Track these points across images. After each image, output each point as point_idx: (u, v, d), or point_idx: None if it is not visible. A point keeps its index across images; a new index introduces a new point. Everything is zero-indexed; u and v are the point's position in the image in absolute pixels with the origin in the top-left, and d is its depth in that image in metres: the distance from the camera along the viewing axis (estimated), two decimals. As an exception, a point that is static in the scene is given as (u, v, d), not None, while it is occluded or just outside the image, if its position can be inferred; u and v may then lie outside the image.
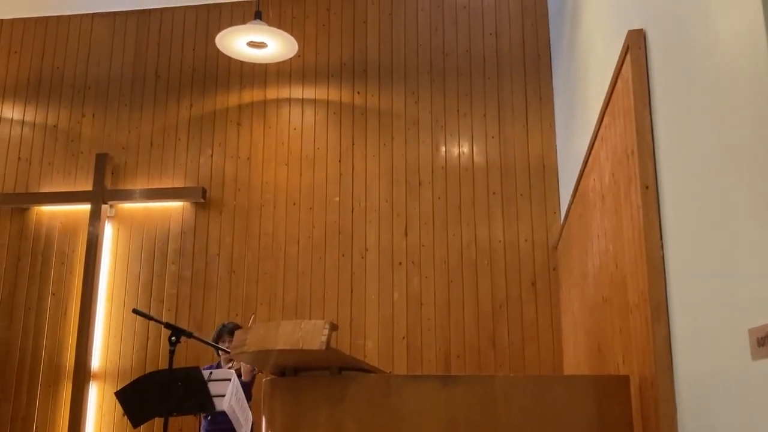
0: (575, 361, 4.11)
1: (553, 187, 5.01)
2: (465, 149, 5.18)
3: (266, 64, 5.54)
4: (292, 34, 5.33)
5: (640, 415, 2.36)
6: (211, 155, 5.46)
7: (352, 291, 5.05)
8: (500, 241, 4.98)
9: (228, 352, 4.03)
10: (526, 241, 4.95)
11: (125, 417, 3.65)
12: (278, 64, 5.50)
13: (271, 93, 5.52)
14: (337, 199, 5.23)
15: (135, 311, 3.79)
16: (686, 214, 1.96)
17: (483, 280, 4.93)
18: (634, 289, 2.41)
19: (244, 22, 5.54)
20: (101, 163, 5.46)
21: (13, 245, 5.49)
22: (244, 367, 4.11)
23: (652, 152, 2.29)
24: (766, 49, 1.37)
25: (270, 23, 5.44)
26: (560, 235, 4.70)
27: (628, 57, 2.44)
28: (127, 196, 5.41)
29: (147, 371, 4.77)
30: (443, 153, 5.20)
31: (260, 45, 4.55)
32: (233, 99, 5.55)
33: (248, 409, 3.85)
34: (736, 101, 1.56)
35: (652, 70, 2.32)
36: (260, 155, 5.40)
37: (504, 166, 5.11)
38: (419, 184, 5.17)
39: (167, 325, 3.72)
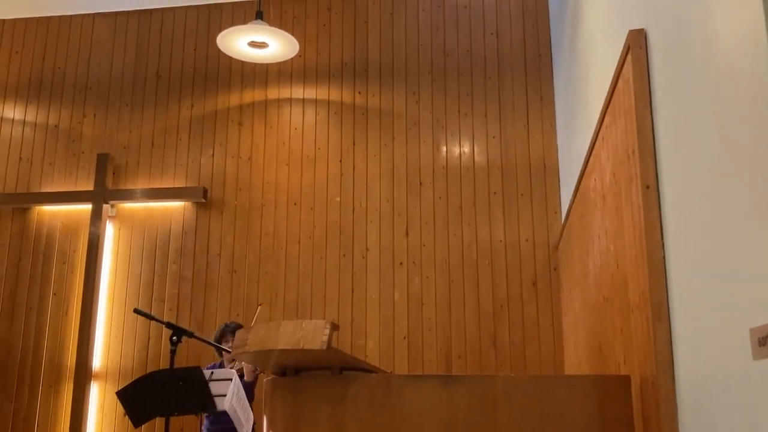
0: (576, 361, 4.11)
1: (554, 186, 5.01)
2: (466, 149, 5.18)
3: (267, 64, 5.54)
4: (293, 34, 5.33)
5: (641, 415, 2.36)
6: (212, 155, 5.47)
7: (353, 291, 5.05)
8: (501, 241, 4.98)
9: (230, 352, 4.03)
10: (527, 240, 4.95)
11: (126, 417, 3.65)
12: (279, 64, 5.50)
13: (272, 93, 5.53)
14: (338, 199, 5.23)
15: (136, 311, 3.79)
16: (687, 214, 1.96)
17: (484, 280, 4.93)
18: (635, 288, 2.41)
19: (245, 22, 5.54)
20: (102, 163, 5.46)
21: (15, 245, 5.50)
22: (247, 367, 4.11)
23: (652, 152, 2.29)
24: (767, 49, 1.37)
25: (271, 23, 5.44)
26: (561, 234, 4.70)
27: (629, 57, 2.44)
28: (128, 196, 5.41)
29: (148, 371, 4.77)
30: (444, 153, 5.20)
31: (261, 45, 4.55)
32: (234, 99, 5.55)
33: (249, 408, 3.85)
34: (737, 101, 1.56)
35: (652, 69, 2.32)
36: (261, 155, 5.41)
37: (505, 166, 5.11)
38: (420, 184, 5.17)
39: (168, 325, 3.72)
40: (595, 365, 3.36)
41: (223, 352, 4.16)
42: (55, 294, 5.37)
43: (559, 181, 5.01)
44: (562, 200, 4.93)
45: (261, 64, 5.55)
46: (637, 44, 2.40)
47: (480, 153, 5.16)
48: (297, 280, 5.13)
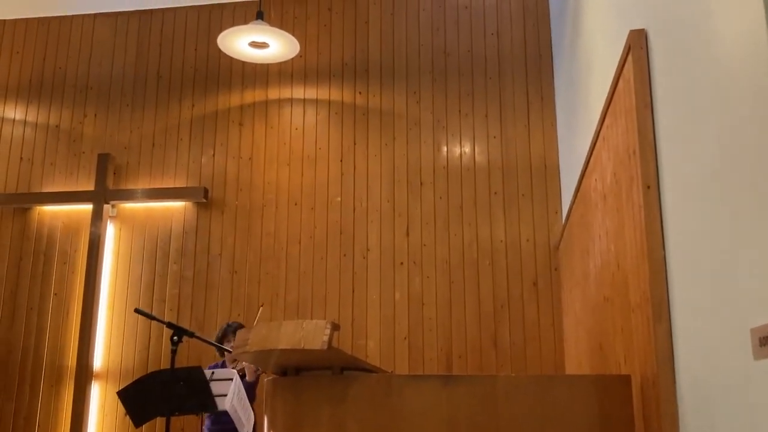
0: (577, 360, 4.11)
1: (555, 187, 5.01)
2: (466, 149, 5.18)
3: (268, 64, 5.54)
4: (293, 35, 5.33)
5: (641, 415, 2.36)
6: (213, 155, 5.47)
7: (353, 291, 5.05)
8: (502, 241, 4.98)
9: (231, 352, 4.03)
10: (527, 241, 4.95)
11: (127, 416, 3.65)
12: (280, 64, 5.51)
13: (273, 93, 5.53)
14: (339, 199, 5.23)
15: (137, 311, 3.79)
16: (688, 214, 1.96)
17: (484, 280, 4.94)
18: (636, 288, 2.41)
19: (245, 22, 5.54)
20: (103, 163, 5.46)
21: (15, 245, 5.50)
22: (248, 368, 4.10)
23: (653, 152, 2.29)
24: (767, 49, 1.37)
25: (272, 23, 5.44)
26: (562, 235, 4.70)
27: (630, 57, 2.44)
28: (128, 196, 5.41)
29: (149, 371, 4.77)
30: (445, 153, 5.20)
31: (262, 45, 4.55)
32: (235, 99, 5.55)
33: (250, 408, 3.86)
34: (738, 101, 1.56)
35: (653, 70, 2.32)
36: (262, 155, 5.41)
37: (505, 166, 5.11)
38: (421, 184, 5.17)
39: (169, 325, 3.73)
40: (595, 365, 3.36)
41: (225, 352, 4.16)
42: (55, 294, 5.38)
43: (559, 181, 5.01)
44: (562, 200, 4.93)
45: (261, 65, 5.55)
46: (637, 44, 2.40)
47: (481, 153, 5.16)
48: (298, 280, 5.13)
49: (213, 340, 4.30)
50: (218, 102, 5.57)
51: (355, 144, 5.32)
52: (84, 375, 5.07)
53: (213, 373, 3.71)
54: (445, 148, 5.21)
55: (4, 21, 6.01)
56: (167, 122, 5.60)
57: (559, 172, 5.02)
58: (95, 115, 5.71)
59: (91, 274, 5.25)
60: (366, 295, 5.03)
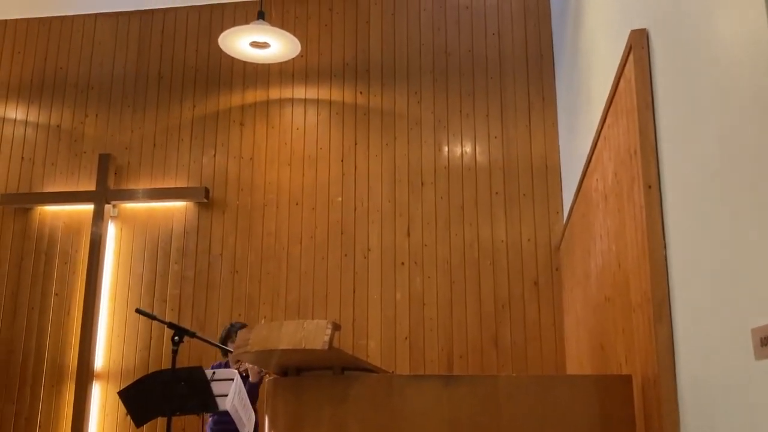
0: (578, 360, 4.11)
1: (556, 187, 5.01)
2: (467, 149, 5.18)
3: (269, 64, 5.55)
4: (294, 35, 5.33)
5: (642, 415, 2.36)
6: (214, 155, 5.47)
7: (354, 291, 5.05)
8: (503, 241, 4.98)
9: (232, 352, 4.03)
10: (528, 241, 4.95)
11: (128, 417, 3.65)
12: (281, 64, 5.51)
13: (274, 93, 5.53)
14: (340, 199, 5.23)
15: (138, 311, 3.80)
16: (689, 214, 1.96)
17: (485, 280, 4.93)
18: (637, 288, 2.40)
19: (247, 22, 5.55)
20: (104, 163, 5.47)
21: (17, 245, 5.51)
22: (252, 369, 4.09)
23: (655, 152, 2.29)
24: (769, 49, 1.37)
25: (273, 23, 5.44)
26: (563, 235, 4.70)
27: (631, 57, 2.44)
28: (130, 196, 5.41)
29: (150, 371, 4.78)
30: (446, 153, 5.20)
31: (263, 45, 4.55)
32: (236, 99, 5.56)
33: (251, 408, 3.85)
34: (739, 101, 1.56)
35: (654, 69, 2.31)
36: (263, 155, 5.41)
37: (507, 166, 5.11)
38: (422, 184, 5.17)
39: (170, 325, 3.73)
40: (596, 365, 3.36)
41: (228, 352, 4.16)
42: (57, 294, 5.38)
43: (560, 181, 5.01)
44: (563, 200, 4.93)
45: (263, 65, 5.55)
46: (639, 44, 2.40)
47: (482, 153, 5.16)
48: (299, 280, 5.13)
49: (216, 340, 4.31)
50: (219, 102, 5.57)
51: (356, 144, 5.32)
52: (85, 375, 5.08)
53: (214, 373, 3.70)
54: (446, 148, 5.21)
55: (5, 21, 6.02)
56: (168, 122, 5.60)
57: (560, 172, 5.02)
58: (96, 115, 5.71)
59: (92, 274, 5.25)
60: (367, 295, 5.03)
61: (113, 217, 5.46)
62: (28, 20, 5.99)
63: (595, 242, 3.30)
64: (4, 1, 5.81)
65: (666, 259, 2.19)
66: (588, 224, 3.52)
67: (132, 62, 5.77)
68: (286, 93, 5.51)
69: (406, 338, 4.92)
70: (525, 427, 2.16)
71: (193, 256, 5.29)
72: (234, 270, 5.22)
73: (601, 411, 2.17)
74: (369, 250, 5.11)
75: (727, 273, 1.66)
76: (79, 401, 5.03)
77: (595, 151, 3.25)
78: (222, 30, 5.43)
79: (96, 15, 5.93)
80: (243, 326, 4.29)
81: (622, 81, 2.62)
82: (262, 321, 5.04)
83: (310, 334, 2.06)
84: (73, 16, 5.95)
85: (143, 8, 5.85)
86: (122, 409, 4.97)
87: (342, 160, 5.30)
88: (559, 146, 5.07)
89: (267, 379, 3.00)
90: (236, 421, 3.68)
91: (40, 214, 5.56)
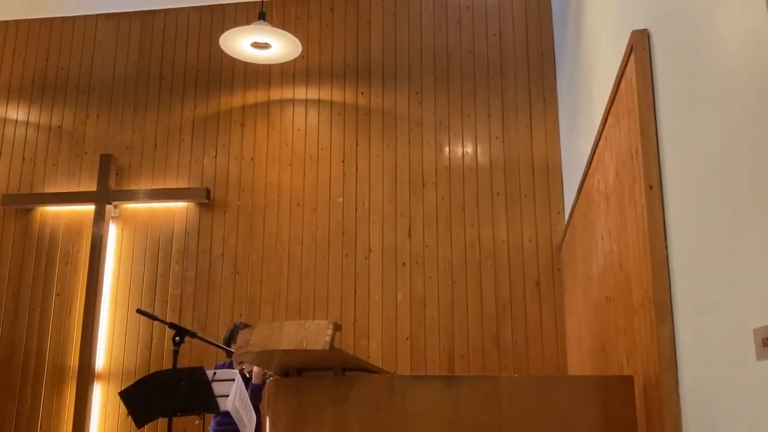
0: (579, 361, 4.11)
1: (557, 187, 5.00)
2: (469, 150, 5.18)
3: (270, 65, 5.55)
4: (295, 35, 5.33)
5: (644, 416, 2.36)
6: (215, 156, 5.47)
7: (355, 291, 5.05)
8: (504, 242, 4.98)
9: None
10: (530, 241, 4.95)
11: (129, 417, 3.66)
12: (282, 64, 5.51)
13: (275, 94, 5.53)
14: (341, 199, 5.23)
15: (139, 311, 3.80)
16: (690, 214, 1.96)
17: (487, 280, 4.93)
18: (639, 289, 2.40)
19: (248, 22, 5.55)
20: (105, 163, 5.47)
21: (18, 245, 5.51)
22: (256, 370, 4.07)
23: (656, 152, 2.29)
24: (771, 49, 1.37)
25: (274, 24, 5.44)
26: (564, 235, 4.70)
27: (632, 57, 2.44)
28: (131, 196, 5.42)
29: (151, 371, 4.77)
30: (447, 153, 5.20)
31: (264, 46, 4.55)
32: (237, 100, 5.56)
33: (252, 409, 3.85)
34: (741, 101, 1.55)
35: (656, 70, 2.31)
36: (264, 156, 5.41)
37: (508, 166, 5.11)
38: (423, 184, 5.17)
39: (171, 325, 3.73)
40: (598, 366, 3.36)
41: (232, 353, 4.15)
42: (58, 294, 5.38)
43: (562, 181, 5.00)
44: (565, 201, 4.93)
45: (264, 65, 5.55)
46: (640, 44, 2.40)
47: (483, 153, 5.16)
48: (300, 281, 5.13)
49: (216, 340, 4.30)
50: (220, 102, 5.57)
51: (357, 144, 5.32)
52: (86, 375, 5.08)
53: (215, 373, 3.70)
54: (447, 149, 5.20)
55: (7, 22, 6.02)
56: (169, 123, 5.60)
57: (561, 173, 5.02)
58: (97, 115, 5.71)
59: (94, 274, 5.25)
60: (368, 296, 5.03)
61: (114, 218, 5.46)
62: (29, 21, 6.00)
63: (597, 242, 3.30)
64: (6, 2, 5.82)
65: (667, 260, 2.18)
66: (589, 225, 3.52)
67: (133, 63, 5.77)
68: (287, 93, 5.51)
69: (407, 339, 4.92)
70: (526, 428, 2.15)
71: (194, 257, 5.29)
72: (235, 270, 5.23)
73: (602, 412, 2.17)
74: (370, 250, 5.11)
75: (729, 273, 1.66)
76: (80, 401, 5.03)
77: (597, 152, 3.25)
78: (223, 30, 5.43)
79: (97, 16, 5.93)
80: (246, 326, 4.28)
81: (623, 81, 2.62)
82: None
83: (311, 334, 2.06)
84: (75, 17, 5.96)
85: (144, 9, 5.86)
86: (123, 409, 4.97)
87: (343, 161, 5.30)
88: (560, 146, 5.06)
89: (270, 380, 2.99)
90: (237, 421, 3.68)
91: (41, 214, 5.57)
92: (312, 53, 5.54)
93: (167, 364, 5.02)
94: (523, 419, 2.16)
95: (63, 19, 5.97)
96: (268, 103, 5.51)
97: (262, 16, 4.45)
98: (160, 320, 3.82)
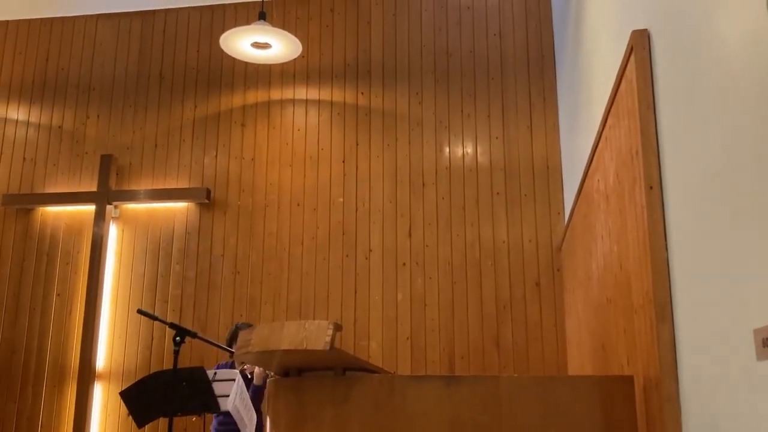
0: (579, 361, 4.11)
1: (557, 187, 5.00)
2: (469, 150, 5.18)
3: (270, 65, 5.55)
4: (296, 35, 5.33)
5: (644, 416, 2.36)
6: (216, 156, 5.47)
7: (356, 292, 5.05)
8: (504, 242, 4.98)
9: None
10: (530, 241, 4.95)
11: (130, 417, 3.66)
12: (282, 64, 5.51)
13: (275, 94, 5.53)
14: (341, 199, 5.24)
15: (140, 311, 3.80)
16: (691, 215, 1.96)
17: (487, 280, 4.93)
18: (639, 289, 2.40)
19: (248, 22, 5.55)
20: (106, 163, 5.47)
21: (18, 246, 5.51)
22: (257, 371, 4.07)
23: (656, 153, 2.29)
24: (771, 50, 1.37)
25: (274, 24, 5.45)
26: (564, 235, 4.70)
27: (632, 57, 2.44)
28: (131, 196, 5.42)
29: (151, 371, 4.78)
30: (447, 154, 5.20)
31: (264, 46, 4.55)
32: (237, 100, 5.56)
33: (252, 409, 3.85)
34: (741, 101, 1.56)
35: (656, 70, 2.31)
36: (264, 156, 5.41)
37: (508, 166, 5.11)
38: (423, 184, 5.17)
39: (172, 325, 3.73)
40: (598, 366, 3.36)
41: (233, 353, 4.14)
42: (58, 294, 5.38)
43: (562, 181, 5.00)
44: (565, 201, 4.93)
45: (264, 65, 5.55)
46: (640, 45, 2.40)
47: (483, 154, 5.16)
48: (300, 281, 5.13)
49: (217, 340, 4.31)
50: (220, 103, 5.58)
51: (357, 144, 5.32)
52: (87, 375, 5.08)
53: (215, 373, 3.70)
54: (447, 149, 5.21)
55: (7, 22, 6.02)
56: (170, 123, 5.60)
57: (561, 173, 5.02)
58: (98, 115, 5.71)
59: (94, 274, 5.25)
60: (368, 296, 5.03)
61: (115, 218, 5.47)
62: (29, 21, 6.00)
63: (597, 243, 3.30)
64: (6, 2, 5.82)
65: (668, 260, 2.18)
66: (589, 225, 3.52)
67: (133, 63, 5.78)
68: (288, 94, 5.51)
69: (407, 339, 4.92)
70: (526, 428, 2.16)
71: (195, 257, 5.30)
72: (235, 270, 5.23)
73: (602, 412, 2.17)
74: (370, 250, 5.11)
75: (729, 274, 1.66)
76: (81, 401, 5.03)
77: (597, 152, 3.25)
78: (223, 30, 5.43)
79: (97, 16, 5.94)
80: (248, 326, 4.28)
81: (623, 81, 2.62)
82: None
83: (311, 334, 2.06)
84: (75, 17, 5.96)
85: (144, 9, 5.86)
86: (124, 409, 4.98)
87: (343, 161, 5.31)
88: (560, 147, 5.07)
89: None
90: (238, 421, 3.68)
91: (41, 214, 5.57)
92: (312, 53, 5.55)
93: (168, 364, 5.02)
94: (523, 419, 2.16)
95: (63, 19, 5.97)
96: (269, 103, 5.51)
97: (262, 16, 4.46)
98: (160, 320, 3.82)
